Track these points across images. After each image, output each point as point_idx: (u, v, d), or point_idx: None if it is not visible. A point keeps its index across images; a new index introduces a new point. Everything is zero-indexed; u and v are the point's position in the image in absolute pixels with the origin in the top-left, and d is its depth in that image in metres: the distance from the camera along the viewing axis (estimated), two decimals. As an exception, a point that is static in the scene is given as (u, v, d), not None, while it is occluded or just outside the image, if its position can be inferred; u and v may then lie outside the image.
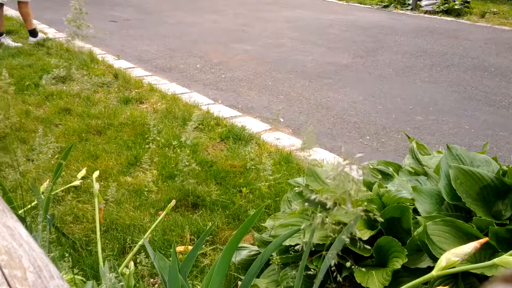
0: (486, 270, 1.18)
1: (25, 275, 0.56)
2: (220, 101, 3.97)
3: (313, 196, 0.69)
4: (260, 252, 1.44)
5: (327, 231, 0.78)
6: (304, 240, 0.88)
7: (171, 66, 4.99)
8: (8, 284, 0.54)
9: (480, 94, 4.37)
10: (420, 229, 1.37)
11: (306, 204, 1.52)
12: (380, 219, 1.04)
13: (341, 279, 0.82)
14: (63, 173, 2.54)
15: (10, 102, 3.57)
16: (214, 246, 2.04)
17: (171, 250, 1.38)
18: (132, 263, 1.65)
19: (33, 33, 5.47)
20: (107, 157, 2.79)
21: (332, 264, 0.88)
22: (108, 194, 1.90)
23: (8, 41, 5.37)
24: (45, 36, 5.58)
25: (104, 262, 1.64)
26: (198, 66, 5.01)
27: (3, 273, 0.55)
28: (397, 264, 1.36)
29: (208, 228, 1.56)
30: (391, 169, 1.80)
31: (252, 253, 1.76)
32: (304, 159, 2.86)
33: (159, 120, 3.37)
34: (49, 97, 3.73)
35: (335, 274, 1.10)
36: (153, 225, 1.83)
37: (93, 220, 2.14)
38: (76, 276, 1.53)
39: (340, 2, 10.20)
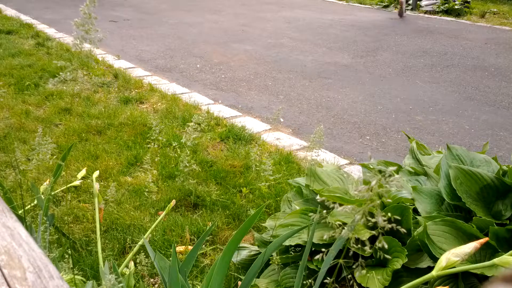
0: (486, 270, 1.18)
1: (24, 275, 0.56)
2: (220, 101, 3.97)
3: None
4: (260, 252, 1.44)
5: (327, 230, 0.78)
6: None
7: (171, 66, 4.99)
8: (8, 284, 0.54)
9: (480, 94, 4.37)
10: (420, 229, 1.37)
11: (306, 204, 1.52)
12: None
13: (352, 281, 0.82)
14: (63, 173, 2.54)
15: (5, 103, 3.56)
16: (214, 246, 2.04)
17: (171, 250, 1.38)
18: (132, 263, 1.65)
19: None
20: (107, 157, 2.79)
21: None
22: (108, 194, 1.90)
23: None
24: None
25: (104, 262, 1.64)
26: (198, 66, 5.01)
27: (3, 273, 0.55)
28: (397, 264, 1.36)
29: (208, 228, 1.56)
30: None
31: (252, 253, 1.76)
32: (307, 158, 2.86)
33: (159, 120, 3.37)
34: (49, 97, 3.73)
35: (345, 275, 1.10)
36: (153, 225, 1.83)
37: (93, 220, 2.14)
38: (76, 276, 1.53)
39: (340, 2, 10.19)
